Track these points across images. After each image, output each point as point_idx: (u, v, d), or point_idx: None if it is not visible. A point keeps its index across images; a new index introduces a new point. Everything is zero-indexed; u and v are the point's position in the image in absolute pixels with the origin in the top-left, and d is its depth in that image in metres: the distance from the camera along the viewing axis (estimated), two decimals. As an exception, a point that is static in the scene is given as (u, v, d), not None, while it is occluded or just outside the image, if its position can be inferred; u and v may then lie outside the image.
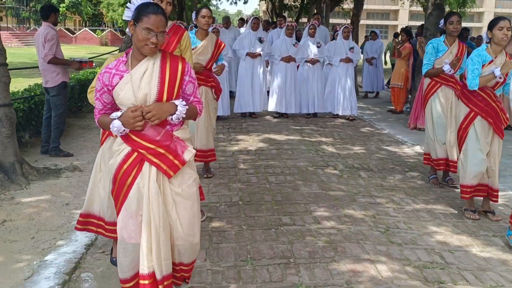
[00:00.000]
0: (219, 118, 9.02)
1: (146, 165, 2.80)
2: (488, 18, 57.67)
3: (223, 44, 5.70)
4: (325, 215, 4.87)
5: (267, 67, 10.83)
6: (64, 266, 3.69)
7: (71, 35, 49.03)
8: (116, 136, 2.88)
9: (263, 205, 5.10)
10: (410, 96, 11.32)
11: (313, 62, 10.15)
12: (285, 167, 6.52)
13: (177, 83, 2.82)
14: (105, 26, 59.98)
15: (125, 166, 2.82)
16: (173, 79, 2.80)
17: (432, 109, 5.87)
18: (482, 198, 5.05)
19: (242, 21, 14.88)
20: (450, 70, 5.68)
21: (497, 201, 4.94)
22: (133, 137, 2.79)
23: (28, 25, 56.64)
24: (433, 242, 4.36)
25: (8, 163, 5.38)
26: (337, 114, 10.40)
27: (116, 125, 2.72)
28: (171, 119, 2.81)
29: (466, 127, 4.90)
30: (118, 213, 2.88)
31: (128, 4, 2.81)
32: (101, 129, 3.66)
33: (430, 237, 4.45)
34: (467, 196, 4.95)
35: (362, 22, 16.72)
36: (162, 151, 2.79)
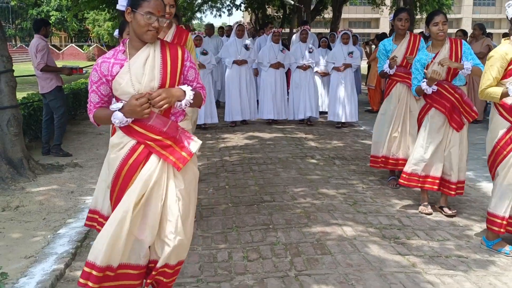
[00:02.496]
0: (209, 126, 9.65)
1: (153, 157, 2.74)
2: (466, 23, 59.06)
3: None
4: (301, 193, 5.52)
5: (256, 76, 10.70)
6: (75, 236, 4.30)
7: (58, 51, 49.47)
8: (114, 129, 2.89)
9: (247, 188, 5.74)
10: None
11: (305, 68, 10.03)
12: (267, 158, 7.18)
13: (178, 69, 2.77)
14: (91, 42, 60.54)
15: (130, 161, 2.74)
16: (174, 66, 2.76)
17: (387, 107, 5.89)
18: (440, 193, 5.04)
19: (222, 30, 14.97)
20: (389, 70, 5.67)
21: (453, 195, 4.91)
22: (139, 129, 2.71)
23: (14, 43, 56.99)
24: (394, 211, 5.03)
25: (17, 158, 5.98)
26: (340, 123, 10.05)
27: (118, 117, 2.64)
28: (180, 105, 2.75)
29: (421, 118, 4.96)
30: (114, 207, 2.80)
31: None
32: (111, 126, 3.49)
33: (392, 208, 5.13)
34: (404, 182, 4.98)
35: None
36: (169, 142, 2.73)
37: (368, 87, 12.34)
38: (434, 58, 4.76)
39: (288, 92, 10.48)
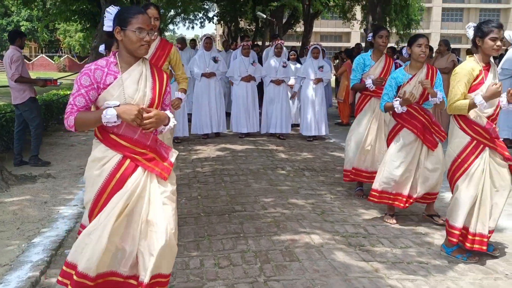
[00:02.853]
0: (178, 138, 9.60)
1: (139, 169, 2.87)
2: (435, 38, 60.32)
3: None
4: (272, 203, 5.69)
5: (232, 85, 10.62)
6: (50, 245, 4.38)
7: (28, 62, 48.84)
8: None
9: (219, 198, 5.89)
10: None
11: (279, 82, 10.14)
12: (239, 169, 7.34)
13: (163, 91, 2.95)
14: (62, 52, 59.92)
15: (118, 175, 2.83)
16: (160, 87, 2.93)
17: (361, 122, 6.04)
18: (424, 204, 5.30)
19: (194, 42, 14.84)
20: (372, 87, 5.82)
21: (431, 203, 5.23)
22: (125, 143, 2.84)
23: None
24: (360, 220, 5.24)
25: (-10, 169, 6.02)
26: (311, 136, 10.10)
27: (110, 113, 2.71)
28: (162, 129, 2.97)
29: (392, 138, 5.12)
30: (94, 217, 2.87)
31: (106, 15, 2.89)
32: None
33: (358, 217, 5.34)
34: (375, 200, 5.17)
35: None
36: (153, 155, 2.90)
37: (338, 101, 12.65)
38: (410, 79, 4.92)
39: (259, 105, 10.56)
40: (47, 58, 50.75)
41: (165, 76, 2.99)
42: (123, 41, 2.82)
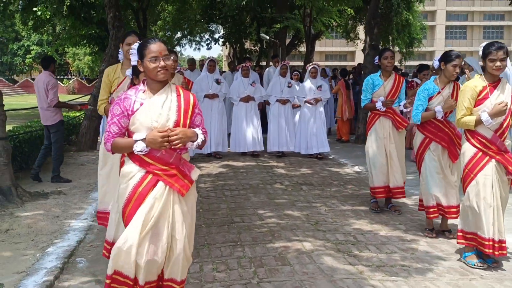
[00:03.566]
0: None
1: (161, 183, 3.14)
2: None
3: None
4: (269, 215, 6.07)
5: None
6: (62, 254, 4.78)
7: (38, 85, 49.59)
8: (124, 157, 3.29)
9: (219, 211, 6.28)
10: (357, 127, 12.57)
11: (284, 102, 10.43)
12: (239, 184, 7.74)
13: (189, 113, 3.20)
14: (71, 75, 60.91)
15: (140, 188, 3.12)
16: (186, 109, 3.19)
17: (371, 140, 6.29)
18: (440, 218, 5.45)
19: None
20: (382, 108, 6.12)
21: (456, 217, 5.24)
22: (148, 160, 3.12)
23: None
24: (351, 229, 5.61)
25: (6, 186, 6.45)
26: (315, 154, 10.36)
27: (140, 146, 3.06)
28: (191, 145, 3.21)
29: (422, 152, 5.33)
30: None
31: (130, 51, 3.31)
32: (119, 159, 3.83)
33: (349, 226, 5.70)
34: (432, 216, 5.33)
35: (321, 63, 17.94)
36: (174, 172, 3.15)
37: (336, 118, 13.08)
38: (439, 92, 5.20)
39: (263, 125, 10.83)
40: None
41: (192, 98, 3.26)
42: (145, 70, 3.18)
